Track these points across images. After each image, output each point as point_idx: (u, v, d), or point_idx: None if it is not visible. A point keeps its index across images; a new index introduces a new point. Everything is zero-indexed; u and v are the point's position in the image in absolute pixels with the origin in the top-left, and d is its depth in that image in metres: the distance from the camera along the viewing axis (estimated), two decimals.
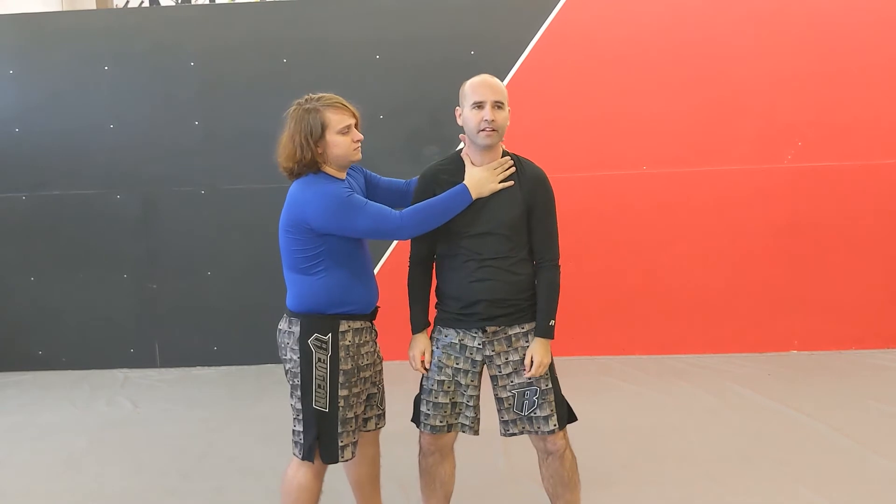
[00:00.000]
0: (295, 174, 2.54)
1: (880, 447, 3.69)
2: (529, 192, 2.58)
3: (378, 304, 2.72)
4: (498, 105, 2.50)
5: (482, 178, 2.54)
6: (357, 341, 2.60)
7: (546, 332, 2.59)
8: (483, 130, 2.51)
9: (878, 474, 3.42)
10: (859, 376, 4.80)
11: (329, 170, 2.55)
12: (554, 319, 2.60)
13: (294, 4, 5.34)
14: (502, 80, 5.11)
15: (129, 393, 5.01)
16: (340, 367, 2.54)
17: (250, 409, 4.62)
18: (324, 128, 2.48)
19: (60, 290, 5.48)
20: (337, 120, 2.50)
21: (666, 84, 5.21)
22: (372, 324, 2.70)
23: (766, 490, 3.31)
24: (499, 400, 2.65)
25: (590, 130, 5.24)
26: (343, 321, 2.56)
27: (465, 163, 2.61)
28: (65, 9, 8.60)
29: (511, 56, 5.21)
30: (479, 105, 2.50)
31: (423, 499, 2.79)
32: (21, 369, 5.52)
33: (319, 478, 2.63)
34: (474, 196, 2.52)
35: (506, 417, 2.65)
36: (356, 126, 2.57)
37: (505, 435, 2.67)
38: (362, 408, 2.66)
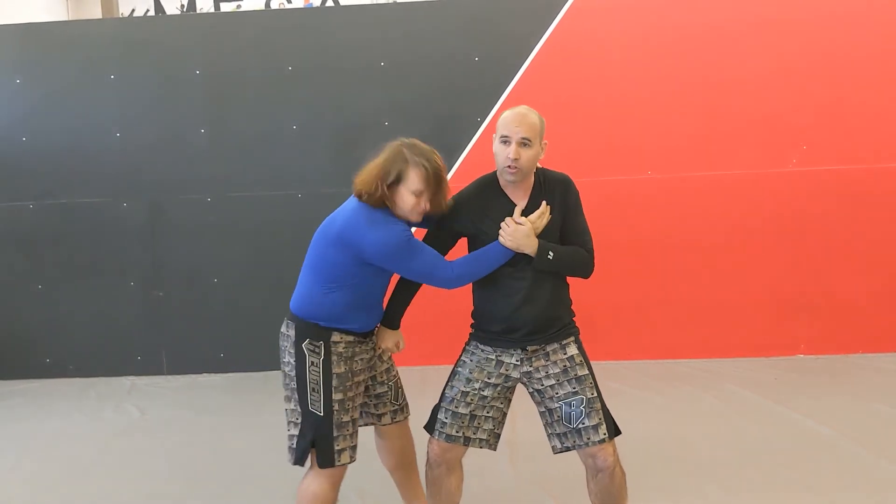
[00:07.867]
0: (363, 199, 2.56)
1: (888, 452, 3.68)
2: (559, 203, 2.60)
3: (378, 326, 2.76)
4: (524, 142, 2.49)
5: (521, 244, 2.52)
6: (352, 348, 2.63)
7: (542, 250, 2.52)
8: (506, 167, 2.52)
9: (885, 479, 3.41)
10: (866, 380, 4.78)
11: (393, 209, 2.58)
12: (553, 255, 2.53)
13: (299, 12, 5.37)
14: (505, 87, 5.19)
15: (136, 400, 5.02)
16: (333, 371, 2.57)
17: (257, 415, 4.62)
18: (399, 179, 2.51)
19: (67, 299, 5.51)
20: (414, 181, 2.50)
21: (670, 89, 5.21)
22: (367, 338, 2.72)
23: (773, 495, 3.29)
24: (549, 412, 2.61)
25: (594, 136, 5.24)
26: (336, 333, 2.60)
27: (515, 213, 2.58)
28: (71, 18, 8.67)
29: (515, 62, 5.21)
30: (505, 140, 2.50)
31: None
32: (29, 377, 5.54)
33: (335, 487, 2.63)
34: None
35: (557, 430, 2.60)
36: (430, 196, 2.55)
37: (559, 451, 2.62)
38: (359, 412, 2.69)
